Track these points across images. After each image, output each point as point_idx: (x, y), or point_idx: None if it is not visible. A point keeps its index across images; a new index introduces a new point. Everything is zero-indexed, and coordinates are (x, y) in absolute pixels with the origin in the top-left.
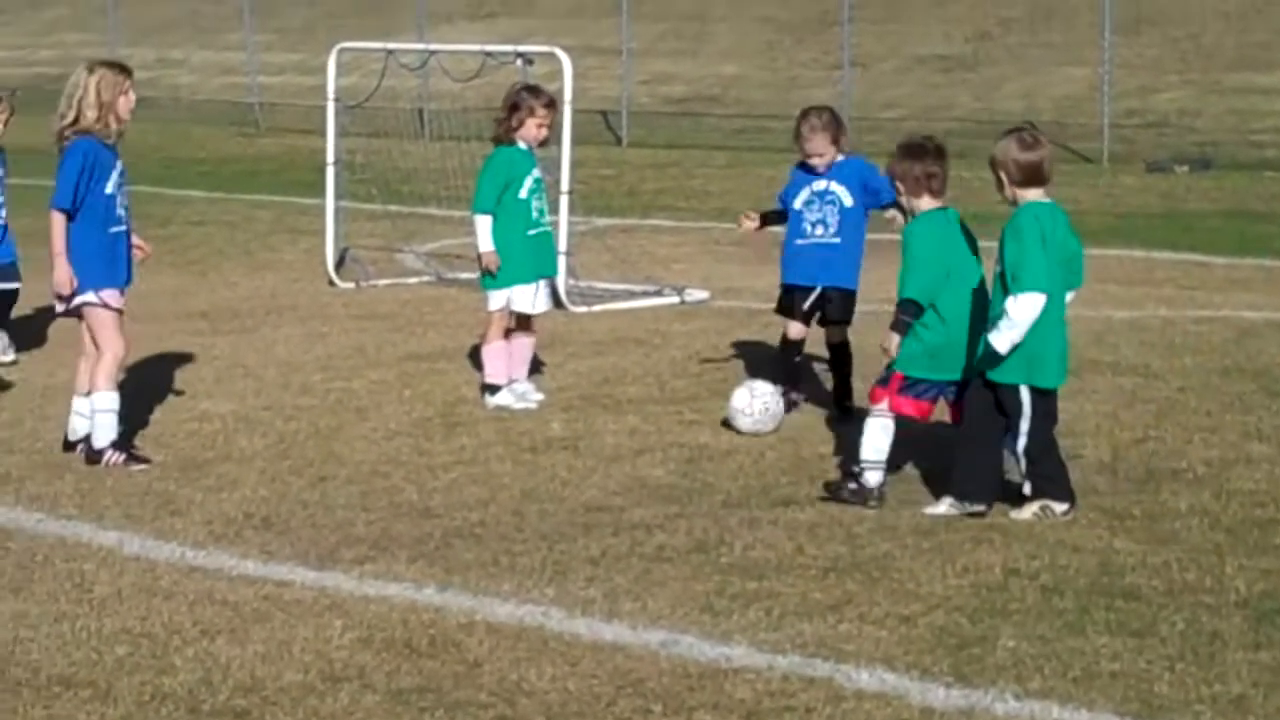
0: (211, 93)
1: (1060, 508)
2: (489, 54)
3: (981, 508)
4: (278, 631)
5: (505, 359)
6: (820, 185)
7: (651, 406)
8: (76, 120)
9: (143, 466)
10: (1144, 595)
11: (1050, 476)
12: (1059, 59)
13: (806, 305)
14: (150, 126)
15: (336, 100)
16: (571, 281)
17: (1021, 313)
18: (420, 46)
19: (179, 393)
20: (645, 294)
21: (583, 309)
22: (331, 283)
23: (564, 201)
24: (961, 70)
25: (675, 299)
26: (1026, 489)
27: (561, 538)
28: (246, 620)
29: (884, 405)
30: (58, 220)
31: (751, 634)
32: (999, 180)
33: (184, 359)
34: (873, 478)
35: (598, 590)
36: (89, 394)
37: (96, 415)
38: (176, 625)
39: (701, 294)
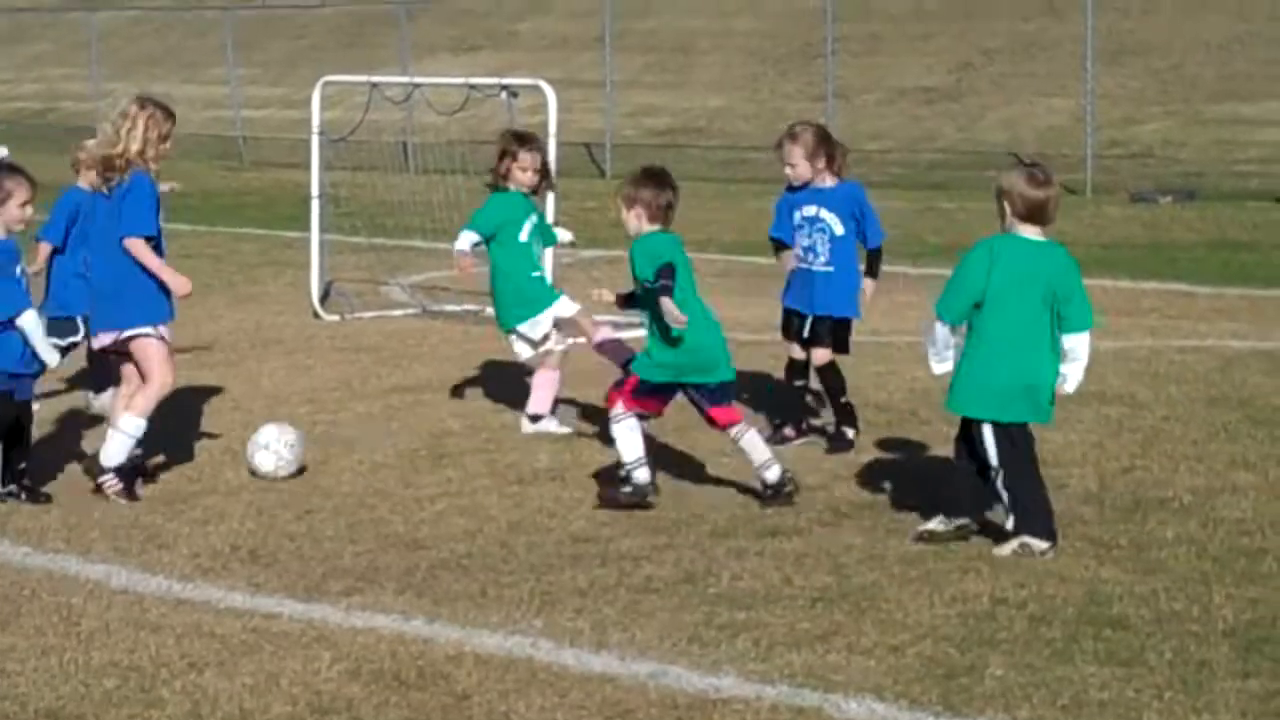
0: (196, 127)
1: (1040, 546)
2: (473, 87)
3: (965, 520)
4: (266, 664)
5: (553, 390)
6: (810, 211)
7: None
8: (124, 152)
9: (129, 504)
10: (1132, 624)
11: (1031, 512)
12: (1042, 90)
13: (803, 331)
14: None
15: (321, 133)
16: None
17: (927, 331)
18: (405, 79)
19: (165, 426)
20: (631, 325)
21: (570, 341)
22: (317, 315)
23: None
24: (945, 101)
25: None
26: (1009, 524)
27: (549, 569)
28: (234, 653)
29: (619, 409)
30: (142, 244)
31: (740, 664)
32: (1001, 210)
33: (170, 391)
34: (641, 475)
35: (586, 621)
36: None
37: (117, 435)
38: (164, 658)
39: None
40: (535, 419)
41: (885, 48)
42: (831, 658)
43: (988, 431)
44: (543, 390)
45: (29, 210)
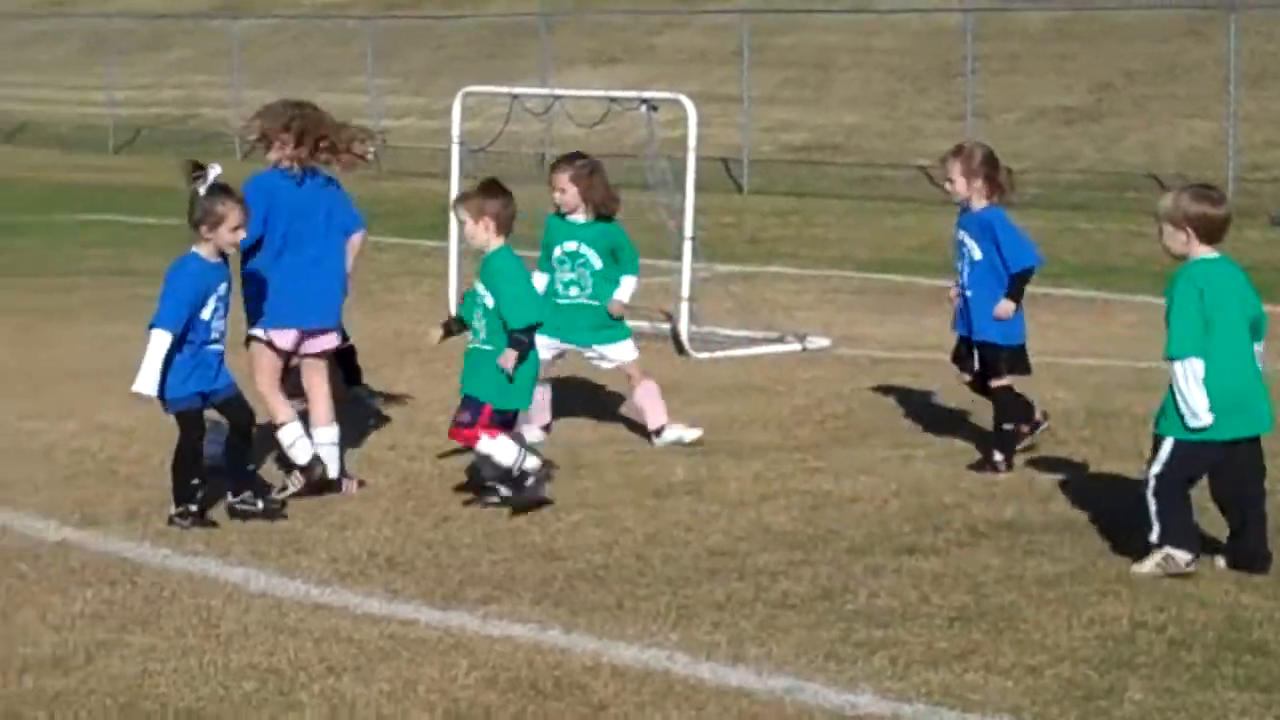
0: None
1: (1184, 557)
2: (613, 100)
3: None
4: (403, 670)
5: (659, 397)
6: (960, 235)
7: (774, 453)
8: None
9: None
10: (1272, 650)
11: (1175, 524)
12: (1183, 111)
13: (967, 355)
14: None
15: (461, 143)
16: (694, 328)
17: (1177, 382)
18: (545, 91)
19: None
20: (767, 340)
21: (705, 355)
22: None
23: (686, 248)
24: (1085, 122)
25: (797, 346)
26: (1153, 536)
27: (686, 582)
28: (372, 658)
29: (484, 438)
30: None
31: (876, 682)
32: (1166, 233)
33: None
34: (530, 463)
35: (722, 635)
36: (317, 427)
37: (329, 448)
38: (303, 662)
39: (823, 341)
40: (659, 432)
41: (1025, 67)
42: (969, 677)
43: (1167, 444)
44: (650, 401)
45: (241, 234)
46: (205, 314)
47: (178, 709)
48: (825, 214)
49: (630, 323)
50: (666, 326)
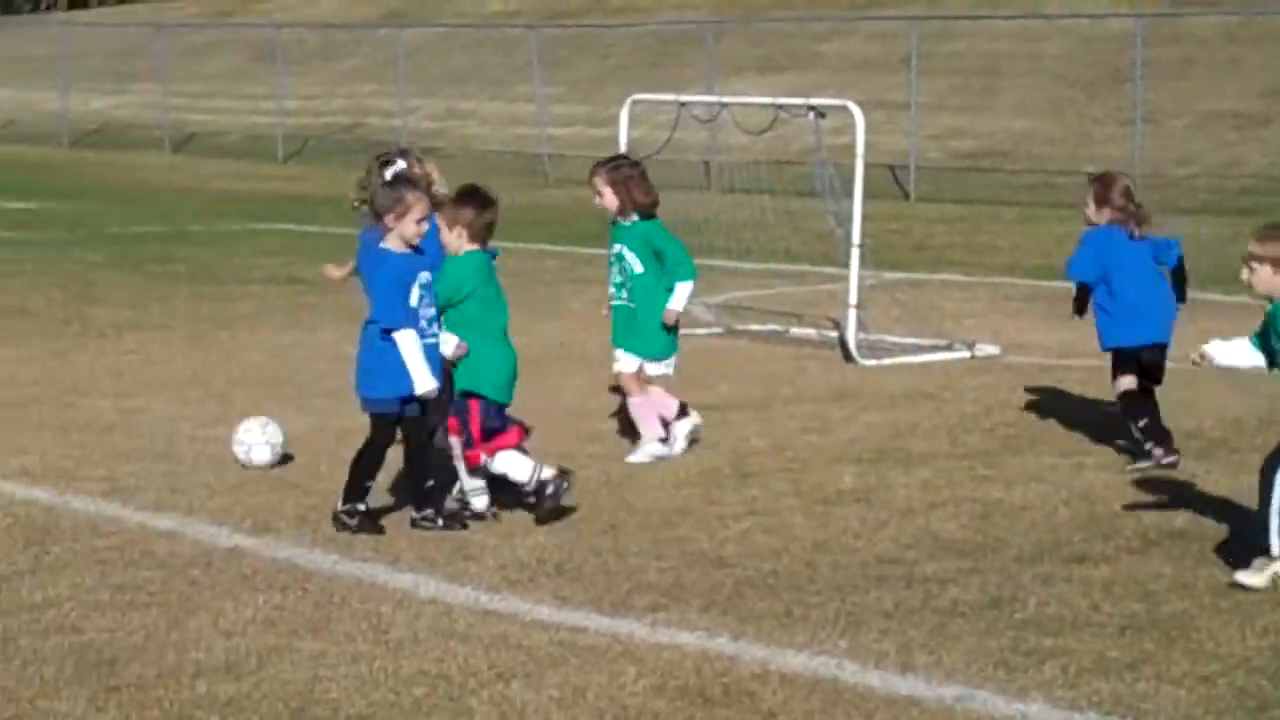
0: (500, 144)
1: None
2: (780, 107)
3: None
4: (572, 676)
5: (652, 410)
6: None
7: (943, 461)
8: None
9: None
10: None
11: None
12: None
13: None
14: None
15: (628, 152)
16: (861, 335)
17: None
18: (713, 99)
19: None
20: (935, 348)
21: (873, 362)
22: None
23: (854, 255)
24: (1254, 127)
25: (966, 353)
26: (1276, 548)
27: (854, 590)
28: (541, 665)
29: (497, 457)
30: None
31: (1047, 691)
32: None
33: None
34: (547, 473)
35: (891, 643)
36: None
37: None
38: (472, 668)
39: (992, 349)
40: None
41: (1194, 72)
42: (1140, 686)
43: None
44: (643, 412)
45: (424, 226)
46: (413, 301)
47: (348, 714)
48: (994, 221)
49: (797, 330)
50: (834, 334)
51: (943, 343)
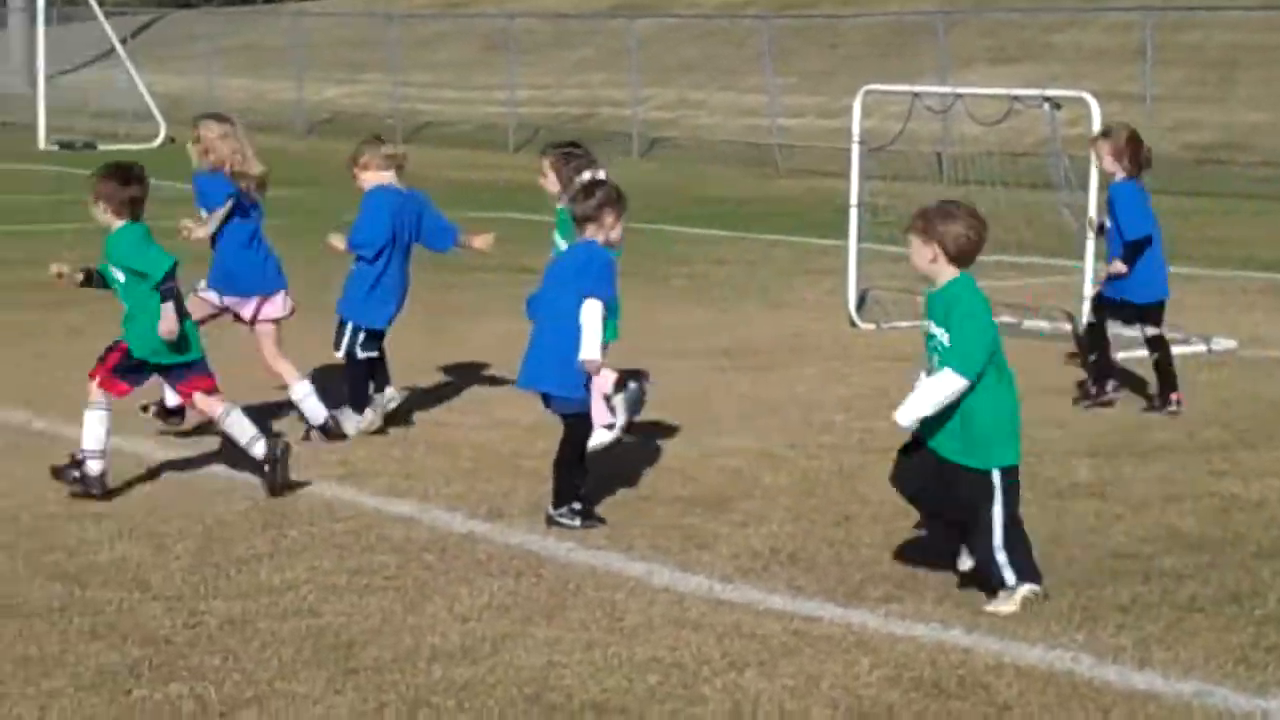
0: (729, 134)
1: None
2: (1015, 98)
3: None
4: (806, 666)
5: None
6: None
7: (1179, 455)
8: None
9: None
10: None
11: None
12: None
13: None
14: (669, 166)
15: (861, 142)
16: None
17: None
18: (947, 90)
19: (703, 428)
20: (1171, 342)
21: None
22: (853, 323)
23: (1089, 247)
24: None
25: (1202, 348)
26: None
27: (1090, 584)
28: (775, 654)
29: (96, 392)
30: None
31: None
32: None
33: (708, 394)
34: (94, 466)
35: (1128, 638)
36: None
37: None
38: (706, 656)
39: (1229, 343)
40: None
41: None
42: None
43: None
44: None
45: (619, 230)
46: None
47: (583, 700)
48: (1230, 214)
49: (1029, 322)
50: (1068, 326)
51: (1179, 336)
